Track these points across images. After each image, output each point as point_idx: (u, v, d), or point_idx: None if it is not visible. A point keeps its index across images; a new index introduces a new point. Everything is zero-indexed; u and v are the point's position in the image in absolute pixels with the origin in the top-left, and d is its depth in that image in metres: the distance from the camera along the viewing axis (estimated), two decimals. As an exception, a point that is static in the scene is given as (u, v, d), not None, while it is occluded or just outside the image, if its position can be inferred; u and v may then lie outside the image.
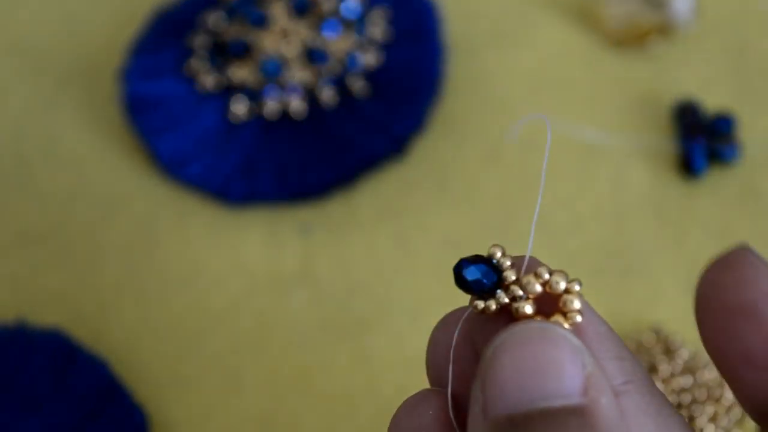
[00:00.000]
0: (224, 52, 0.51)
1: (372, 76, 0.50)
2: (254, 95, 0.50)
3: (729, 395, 0.41)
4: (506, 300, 0.23)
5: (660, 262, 0.46)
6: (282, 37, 0.51)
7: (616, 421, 0.20)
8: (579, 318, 0.23)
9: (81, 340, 0.45)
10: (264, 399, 0.44)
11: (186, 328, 0.46)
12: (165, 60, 0.51)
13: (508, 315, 0.23)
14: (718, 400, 0.41)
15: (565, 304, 0.23)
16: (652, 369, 0.42)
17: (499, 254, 0.24)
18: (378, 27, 0.51)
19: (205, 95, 0.50)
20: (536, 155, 0.49)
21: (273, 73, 0.50)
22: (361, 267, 0.47)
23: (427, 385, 0.26)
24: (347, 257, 0.47)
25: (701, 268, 0.22)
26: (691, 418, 0.41)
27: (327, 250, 0.47)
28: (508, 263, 0.24)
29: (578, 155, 0.49)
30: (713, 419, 0.41)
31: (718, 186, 0.48)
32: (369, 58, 0.51)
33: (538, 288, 0.23)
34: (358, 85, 0.50)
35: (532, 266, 0.24)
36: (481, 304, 0.23)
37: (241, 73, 0.50)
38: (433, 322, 0.26)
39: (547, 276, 0.23)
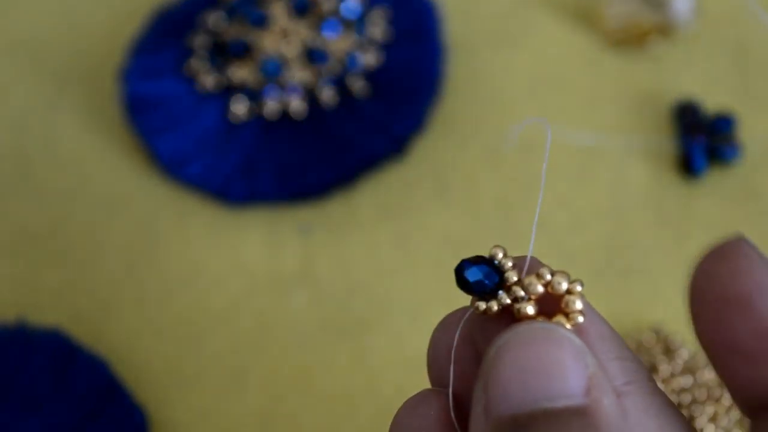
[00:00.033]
0: (224, 52, 0.51)
1: (372, 76, 0.50)
2: (254, 95, 0.50)
3: (729, 395, 0.41)
4: (508, 301, 0.23)
5: (660, 262, 0.46)
6: (282, 37, 0.51)
7: (619, 421, 0.20)
8: (581, 318, 0.23)
9: (81, 339, 0.45)
10: (264, 399, 0.44)
11: (186, 328, 0.46)
12: (165, 60, 0.51)
13: (510, 315, 0.23)
14: (718, 400, 0.41)
15: (567, 304, 0.23)
16: (652, 369, 0.42)
17: (500, 255, 0.24)
18: (378, 27, 0.51)
19: (205, 95, 0.50)
20: (536, 155, 0.49)
21: (273, 73, 0.50)
22: (361, 267, 0.47)
23: (427, 384, 0.26)
24: (347, 257, 0.47)
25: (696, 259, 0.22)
26: (691, 418, 0.41)
27: (327, 250, 0.47)
28: (510, 264, 0.24)
29: (578, 155, 0.49)
30: (713, 419, 0.41)
31: (718, 186, 0.48)
32: (369, 58, 0.51)
33: (540, 289, 0.23)
34: (358, 85, 0.50)
35: (534, 267, 0.24)
36: (482, 305, 0.24)
37: (241, 73, 0.50)
38: (433, 322, 0.26)
39: (548, 277, 0.23)
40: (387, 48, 0.51)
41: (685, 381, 0.42)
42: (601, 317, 0.23)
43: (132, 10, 0.55)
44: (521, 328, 0.21)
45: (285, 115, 0.50)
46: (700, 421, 0.41)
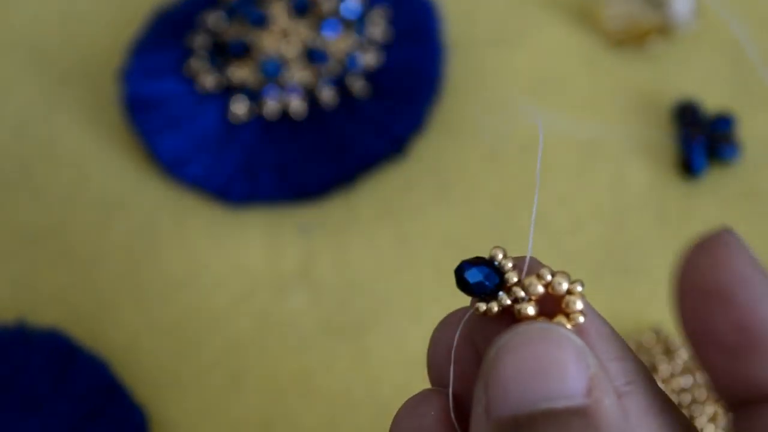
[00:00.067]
0: (224, 52, 0.51)
1: (372, 76, 0.50)
2: (254, 95, 0.50)
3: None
4: (508, 302, 0.23)
5: (660, 262, 0.46)
6: (282, 37, 0.51)
7: (620, 421, 0.20)
8: (581, 319, 0.23)
9: (81, 340, 0.45)
10: (264, 399, 0.44)
11: (186, 328, 0.46)
12: (165, 60, 0.51)
13: (510, 316, 0.23)
14: (718, 401, 0.41)
15: (567, 305, 0.23)
16: (652, 369, 0.42)
17: (500, 256, 0.24)
18: (378, 27, 0.51)
19: (205, 95, 0.50)
20: (536, 155, 0.49)
21: (273, 73, 0.50)
22: (361, 267, 0.47)
23: (426, 385, 0.26)
24: (347, 257, 0.47)
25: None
26: (691, 418, 0.41)
27: (327, 250, 0.47)
28: (510, 265, 0.24)
29: (578, 155, 0.49)
30: (713, 419, 0.41)
31: (718, 186, 0.48)
32: (369, 58, 0.51)
33: (541, 289, 0.23)
34: (358, 85, 0.50)
35: (534, 267, 0.24)
36: (483, 306, 0.24)
37: (241, 73, 0.50)
38: (433, 322, 0.26)
39: (549, 277, 0.23)
40: (387, 48, 0.51)
41: (685, 381, 0.42)
42: (602, 317, 0.23)
43: (132, 10, 0.55)
44: (522, 329, 0.21)
45: (285, 115, 0.50)
46: (700, 421, 0.41)
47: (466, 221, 0.48)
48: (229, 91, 0.50)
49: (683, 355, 0.42)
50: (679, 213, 0.47)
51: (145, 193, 0.49)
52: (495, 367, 0.21)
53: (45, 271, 0.47)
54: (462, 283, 0.24)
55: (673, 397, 0.41)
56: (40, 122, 0.52)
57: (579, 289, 0.23)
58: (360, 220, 0.48)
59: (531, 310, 0.23)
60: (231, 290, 0.46)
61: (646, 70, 0.51)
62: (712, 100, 0.50)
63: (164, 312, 0.46)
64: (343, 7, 0.51)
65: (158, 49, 0.52)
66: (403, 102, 0.50)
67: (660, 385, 0.41)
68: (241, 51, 0.50)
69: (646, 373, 0.23)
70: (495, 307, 0.23)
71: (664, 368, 0.42)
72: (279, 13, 0.51)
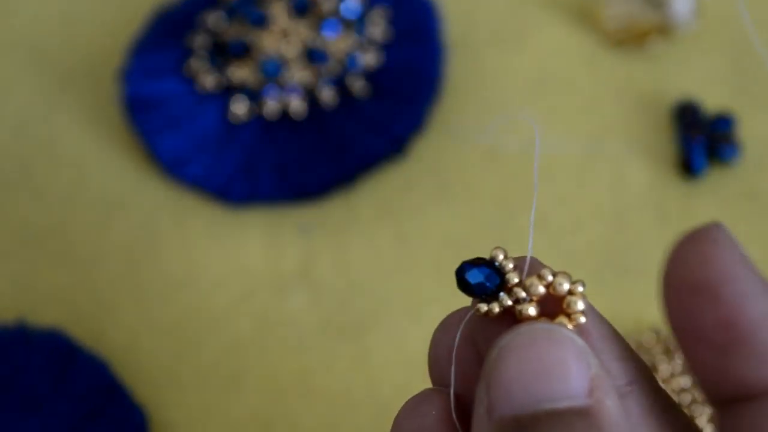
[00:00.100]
0: (224, 52, 0.51)
1: (372, 76, 0.50)
2: (254, 95, 0.50)
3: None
4: (510, 303, 0.23)
5: (660, 262, 0.46)
6: (282, 37, 0.51)
7: (622, 422, 0.20)
8: (583, 319, 0.23)
9: (81, 340, 0.45)
10: (264, 399, 0.44)
11: (186, 328, 0.46)
12: (165, 60, 0.51)
13: (511, 316, 0.23)
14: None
15: (568, 305, 0.23)
16: (652, 369, 0.42)
17: (501, 257, 0.24)
18: (378, 27, 0.51)
19: (205, 95, 0.50)
20: (536, 154, 0.49)
21: (273, 73, 0.50)
22: (361, 267, 0.47)
23: (426, 384, 0.26)
24: (347, 257, 0.47)
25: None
26: (691, 418, 0.41)
27: (327, 250, 0.47)
28: (511, 266, 0.24)
29: (578, 155, 0.49)
30: (713, 419, 0.41)
31: (718, 186, 0.48)
32: (369, 58, 0.51)
33: (542, 290, 0.23)
34: (358, 85, 0.50)
35: (535, 268, 0.24)
36: (484, 306, 0.23)
37: (241, 73, 0.50)
38: (433, 322, 0.26)
39: (550, 278, 0.23)
40: (387, 48, 0.51)
41: (685, 381, 0.42)
42: (603, 318, 0.23)
43: (132, 10, 0.55)
44: (523, 329, 0.21)
45: (285, 115, 0.50)
46: (700, 422, 0.41)
47: (466, 221, 0.48)
48: (229, 91, 0.50)
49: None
50: (679, 213, 0.47)
51: (145, 193, 0.49)
52: (497, 368, 0.21)
53: (45, 271, 0.47)
54: (463, 284, 0.24)
55: (673, 397, 0.41)
56: (40, 122, 0.52)
57: (580, 289, 0.23)
58: (360, 220, 0.48)
59: (532, 310, 0.23)
60: (231, 290, 0.46)
61: (646, 70, 0.51)
62: (712, 100, 0.50)
63: (164, 312, 0.46)
64: (343, 7, 0.51)
65: (158, 49, 0.52)
66: (403, 102, 0.50)
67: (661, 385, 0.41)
68: (241, 51, 0.50)
69: (647, 373, 0.23)
70: (496, 308, 0.23)
71: (664, 368, 0.42)
72: (279, 13, 0.51)
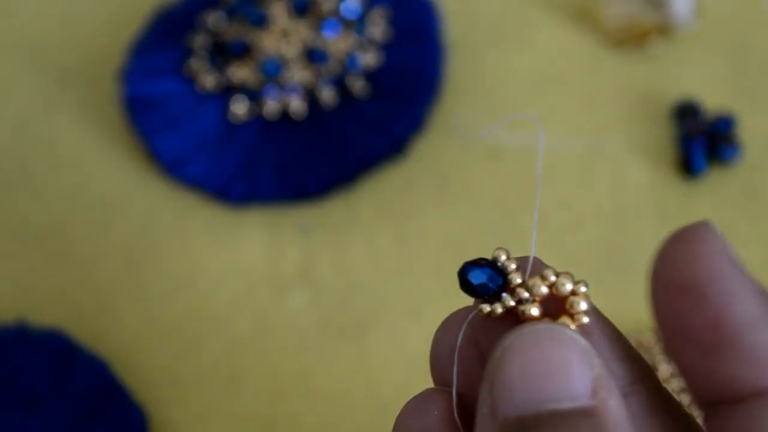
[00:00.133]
0: (224, 52, 0.51)
1: (372, 76, 0.50)
2: (254, 95, 0.50)
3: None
4: (512, 303, 0.23)
5: (660, 262, 0.46)
6: (282, 37, 0.51)
7: (625, 422, 0.20)
8: (586, 319, 0.23)
9: (81, 340, 0.45)
10: (264, 399, 0.44)
11: (186, 328, 0.46)
12: (165, 60, 0.51)
13: (514, 316, 0.23)
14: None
15: (571, 305, 0.23)
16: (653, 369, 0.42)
17: (503, 257, 0.24)
18: (378, 27, 0.51)
19: (205, 95, 0.50)
20: (536, 155, 0.49)
21: (273, 73, 0.50)
22: (361, 267, 0.47)
23: (427, 384, 0.26)
24: (347, 257, 0.47)
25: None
26: (693, 418, 0.41)
27: (327, 250, 0.47)
28: (513, 266, 0.24)
29: (578, 156, 0.49)
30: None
31: (718, 186, 0.48)
32: (369, 58, 0.51)
33: (544, 290, 0.23)
34: (358, 85, 0.50)
35: (537, 268, 0.24)
36: (486, 307, 0.23)
37: (241, 73, 0.50)
38: (433, 321, 0.26)
39: (553, 278, 0.23)
40: (387, 48, 0.51)
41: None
42: (606, 318, 0.23)
43: (132, 10, 0.55)
44: (526, 329, 0.21)
45: (285, 115, 0.50)
46: (699, 422, 0.41)
47: (466, 221, 0.48)
48: (229, 91, 0.50)
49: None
50: (679, 213, 0.47)
51: (145, 193, 0.49)
52: (500, 368, 0.21)
53: (45, 271, 0.47)
54: (465, 285, 0.23)
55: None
56: (40, 122, 0.52)
57: (583, 289, 0.23)
58: (360, 220, 0.48)
59: (535, 311, 0.23)
60: (231, 290, 0.46)
61: (646, 70, 0.51)
62: (712, 100, 0.50)
63: (164, 312, 0.46)
64: (343, 7, 0.51)
65: (158, 49, 0.52)
66: (403, 102, 0.50)
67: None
68: (241, 51, 0.50)
69: (650, 373, 0.23)
70: (499, 309, 0.23)
71: (664, 368, 0.42)
72: (279, 13, 0.51)
